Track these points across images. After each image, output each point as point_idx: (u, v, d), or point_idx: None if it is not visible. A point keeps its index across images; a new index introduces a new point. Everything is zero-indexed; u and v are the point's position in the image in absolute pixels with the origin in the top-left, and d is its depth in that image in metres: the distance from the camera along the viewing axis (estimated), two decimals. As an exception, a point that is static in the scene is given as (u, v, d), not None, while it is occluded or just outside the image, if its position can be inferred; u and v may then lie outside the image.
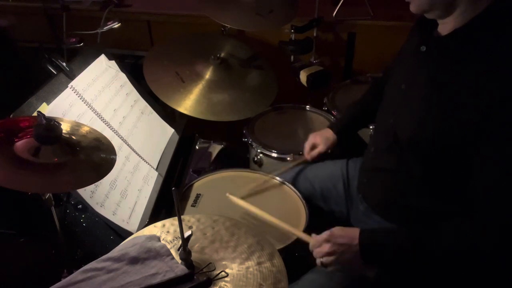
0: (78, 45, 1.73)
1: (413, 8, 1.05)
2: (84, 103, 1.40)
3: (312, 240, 1.16)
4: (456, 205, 1.09)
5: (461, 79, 0.99)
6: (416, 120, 1.09)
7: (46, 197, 1.08)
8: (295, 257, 1.32)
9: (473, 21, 0.99)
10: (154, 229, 1.02)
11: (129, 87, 1.65)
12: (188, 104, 1.70)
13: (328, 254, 1.11)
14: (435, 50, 1.08)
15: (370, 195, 1.30)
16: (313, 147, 1.54)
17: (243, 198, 1.38)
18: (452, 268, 1.09)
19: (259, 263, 0.92)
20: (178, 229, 0.88)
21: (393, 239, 1.10)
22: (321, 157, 1.57)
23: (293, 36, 2.10)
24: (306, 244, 1.21)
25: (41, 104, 1.27)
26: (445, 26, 1.05)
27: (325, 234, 1.14)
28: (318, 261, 1.14)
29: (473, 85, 0.97)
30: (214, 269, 0.90)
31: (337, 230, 1.13)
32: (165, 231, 1.01)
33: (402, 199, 1.19)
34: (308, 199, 1.43)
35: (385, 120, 1.23)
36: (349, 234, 1.11)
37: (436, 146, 1.06)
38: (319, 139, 1.53)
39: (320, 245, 1.13)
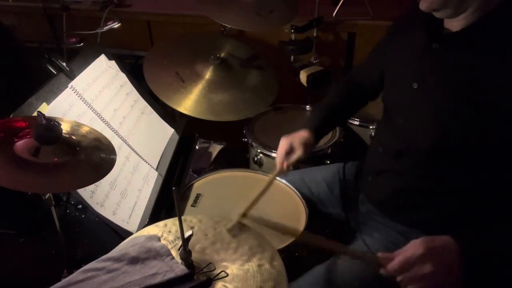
0: (78, 45, 1.73)
1: (423, 5, 1.02)
2: (84, 103, 1.40)
3: (393, 262, 0.92)
4: (472, 203, 1.08)
5: (484, 72, 0.98)
6: (438, 121, 1.06)
7: (46, 197, 1.08)
8: (295, 257, 1.32)
9: (488, 15, 0.98)
10: (156, 228, 1.02)
11: (129, 87, 1.65)
12: (188, 104, 1.71)
13: (428, 276, 0.89)
14: (450, 46, 1.05)
15: (375, 195, 1.28)
16: (290, 152, 1.33)
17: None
18: None
19: (259, 265, 0.91)
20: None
21: (499, 245, 0.96)
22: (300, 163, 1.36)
23: (293, 36, 2.10)
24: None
25: (41, 104, 1.27)
26: (454, 24, 1.03)
27: (415, 249, 0.91)
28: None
29: (498, 75, 0.96)
30: (214, 269, 0.90)
31: (429, 241, 0.92)
32: (166, 231, 1.01)
33: (414, 199, 1.17)
34: (306, 202, 1.42)
35: (392, 120, 1.20)
36: (445, 243, 0.92)
37: (459, 145, 1.04)
38: (296, 142, 1.32)
39: (412, 266, 0.90)
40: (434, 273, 0.89)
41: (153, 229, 1.02)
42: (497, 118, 0.97)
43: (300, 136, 1.34)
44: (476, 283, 0.92)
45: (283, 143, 1.34)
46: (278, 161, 1.34)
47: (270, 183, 1.27)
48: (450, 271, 0.90)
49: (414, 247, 0.91)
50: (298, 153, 1.32)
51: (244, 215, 1.06)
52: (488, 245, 0.96)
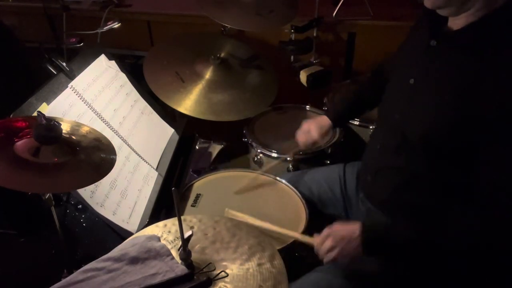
0: (78, 45, 1.73)
1: (428, 2, 1.04)
2: (84, 103, 1.40)
3: (315, 240, 1.19)
4: (469, 199, 1.08)
5: (478, 73, 0.99)
6: (429, 117, 1.08)
7: (46, 197, 1.08)
8: (295, 257, 1.32)
9: (489, 16, 0.99)
10: (156, 228, 1.02)
11: (129, 87, 1.65)
12: (188, 104, 1.70)
13: (331, 249, 1.14)
14: (447, 44, 1.07)
15: (375, 193, 1.28)
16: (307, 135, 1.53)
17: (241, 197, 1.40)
18: (455, 258, 1.12)
19: (259, 264, 0.91)
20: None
21: (396, 229, 1.13)
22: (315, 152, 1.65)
23: (293, 36, 2.10)
24: (307, 245, 1.21)
25: (41, 104, 1.27)
26: (457, 22, 1.04)
27: (325, 231, 1.17)
28: (324, 260, 1.16)
29: (490, 78, 0.97)
30: (214, 269, 0.90)
31: (336, 224, 1.17)
32: (166, 231, 1.01)
33: (410, 197, 1.18)
34: (307, 203, 1.42)
35: (390, 116, 1.21)
36: (349, 227, 1.15)
37: (449, 142, 1.05)
38: (313, 127, 1.52)
39: (322, 242, 1.16)
40: (335, 245, 1.13)
41: (153, 229, 1.02)
42: (491, 117, 0.97)
43: (320, 121, 1.53)
44: (374, 253, 1.15)
45: (304, 127, 1.55)
46: (297, 141, 1.55)
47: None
48: (349, 244, 1.12)
49: (323, 232, 1.17)
50: (314, 136, 1.52)
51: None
52: (386, 230, 1.14)
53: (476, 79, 0.99)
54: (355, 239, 1.12)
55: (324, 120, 1.53)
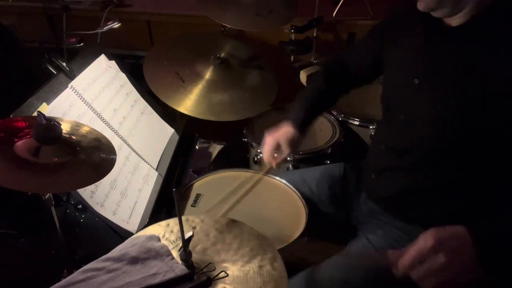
0: (78, 45, 1.74)
1: (421, 5, 1.03)
2: (84, 103, 1.40)
3: (403, 258, 0.87)
4: (473, 201, 1.09)
5: (489, 66, 0.99)
6: (436, 114, 1.07)
7: (46, 197, 1.08)
8: (295, 257, 1.31)
9: (487, 10, 0.98)
10: (158, 228, 1.02)
11: (129, 87, 1.65)
12: (188, 104, 1.70)
13: (443, 267, 0.83)
14: (451, 41, 1.06)
15: (379, 192, 1.28)
16: (277, 150, 1.35)
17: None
18: None
19: (260, 267, 0.91)
20: (180, 230, 0.88)
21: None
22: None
23: (293, 36, 2.10)
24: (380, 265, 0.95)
25: (41, 104, 1.27)
26: (453, 20, 1.04)
27: (425, 242, 0.86)
28: (426, 283, 0.85)
29: (503, 69, 0.97)
30: (214, 269, 0.90)
31: (439, 231, 0.87)
32: (169, 231, 1.01)
33: (417, 197, 1.17)
34: (307, 202, 1.42)
35: (395, 117, 1.20)
36: (455, 232, 0.87)
37: (458, 141, 1.04)
38: (283, 141, 1.34)
39: (425, 258, 0.85)
40: (449, 263, 0.83)
41: (156, 229, 1.02)
42: (499, 112, 0.97)
43: (286, 133, 1.35)
44: (493, 270, 0.87)
45: (270, 142, 1.35)
46: (266, 160, 1.37)
47: (258, 181, 1.36)
48: (465, 260, 0.85)
49: (424, 239, 0.86)
50: (286, 152, 1.35)
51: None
52: (499, 230, 0.92)
53: (484, 71, 0.99)
54: (469, 247, 0.84)
55: (290, 132, 1.35)
